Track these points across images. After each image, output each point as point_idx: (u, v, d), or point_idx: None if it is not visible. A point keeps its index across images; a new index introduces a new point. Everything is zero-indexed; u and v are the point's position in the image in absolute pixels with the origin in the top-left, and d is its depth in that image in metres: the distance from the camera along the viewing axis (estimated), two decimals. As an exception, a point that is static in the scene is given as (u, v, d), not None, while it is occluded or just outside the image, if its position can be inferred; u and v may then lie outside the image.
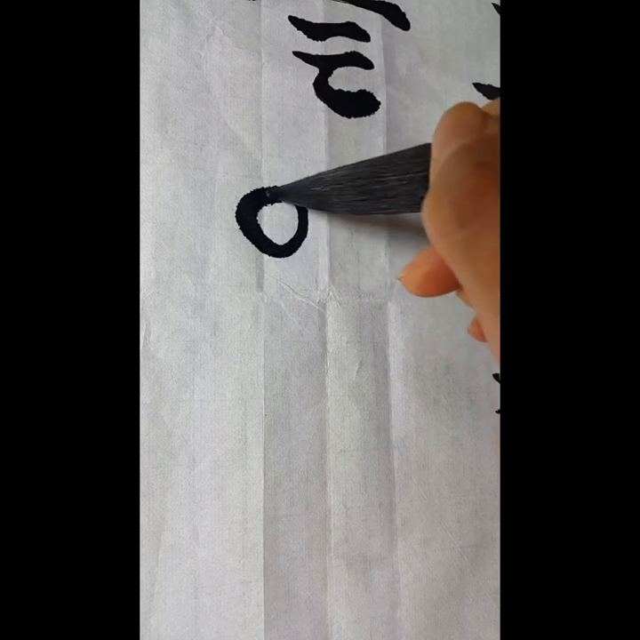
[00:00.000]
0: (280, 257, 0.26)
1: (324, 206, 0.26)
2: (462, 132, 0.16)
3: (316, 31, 0.29)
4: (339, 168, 0.24)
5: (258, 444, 0.24)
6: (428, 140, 0.32)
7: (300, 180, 0.26)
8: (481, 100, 0.32)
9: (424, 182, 0.18)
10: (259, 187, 0.26)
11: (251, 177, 0.26)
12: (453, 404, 0.28)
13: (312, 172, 0.27)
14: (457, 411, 0.28)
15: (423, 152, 0.19)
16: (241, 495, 0.24)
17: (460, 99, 0.32)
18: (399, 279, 0.20)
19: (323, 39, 0.29)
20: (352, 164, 0.23)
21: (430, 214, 0.15)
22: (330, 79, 0.29)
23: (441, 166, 0.16)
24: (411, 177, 0.19)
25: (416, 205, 0.20)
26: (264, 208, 0.26)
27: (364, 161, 0.22)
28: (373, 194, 0.21)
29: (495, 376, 0.29)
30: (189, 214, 0.25)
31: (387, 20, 0.30)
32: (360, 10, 0.30)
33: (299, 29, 0.28)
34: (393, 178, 0.20)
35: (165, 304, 0.24)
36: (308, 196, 0.26)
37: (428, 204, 0.15)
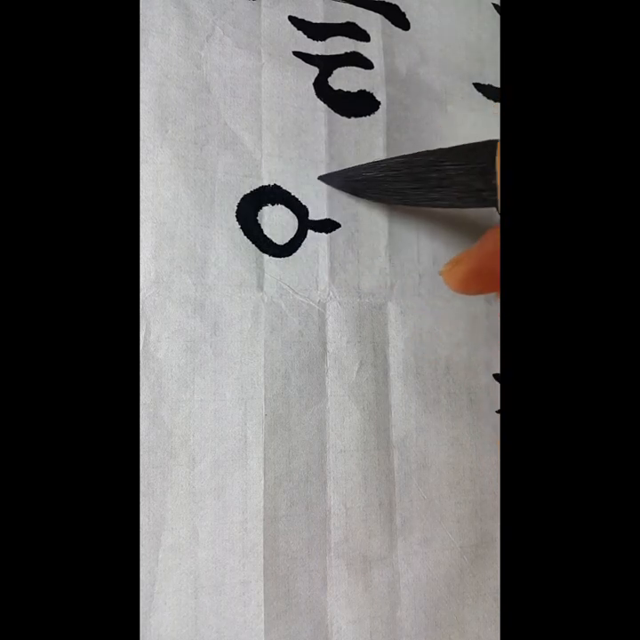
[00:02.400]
0: (280, 257, 0.26)
1: (375, 193, 0.25)
2: None
3: (316, 31, 0.29)
4: (395, 156, 0.24)
5: (258, 444, 0.24)
6: (428, 141, 0.32)
7: (352, 167, 0.26)
8: (481, 100, 0.32)
9: (483, 173, 0.18)
10: (258, 186, 0.26)
11: (251, 177, 0.26)
12: (453, 404, 0.28)
13: (312, 173, 0.27)
14: (457, 411, 0.28)
15: (489, 145, 0.19)
16: (241, 495, 0.24)
17: (460, 99, 0.32)
18: (440, 273, 0.20)
19: (323, 39, 0.29)
20: (410, 154, 0.23)
21: None
22: (330, 79, 0.29)
23: None
24: (470, 167, 0.19)
25: (468, 197, 0.20)
26: (264, 208, 0.26)
27: (422, 151, 0.22)
28: (428, 182, 0.21)
29: (495, 376, 0.29)
30: (189, 214, 0.25)
31: (387, 20, 0.30)
32: (360, 10, 0.30)
33: (299, 29, 0.28)
34: (451, 167, 0.20)
35: (165, 304, 0.24)
36: (359, 180, 0.25)
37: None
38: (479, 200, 0.20)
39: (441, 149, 0.21)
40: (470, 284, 0.20)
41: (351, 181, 0.26)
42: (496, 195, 0.19)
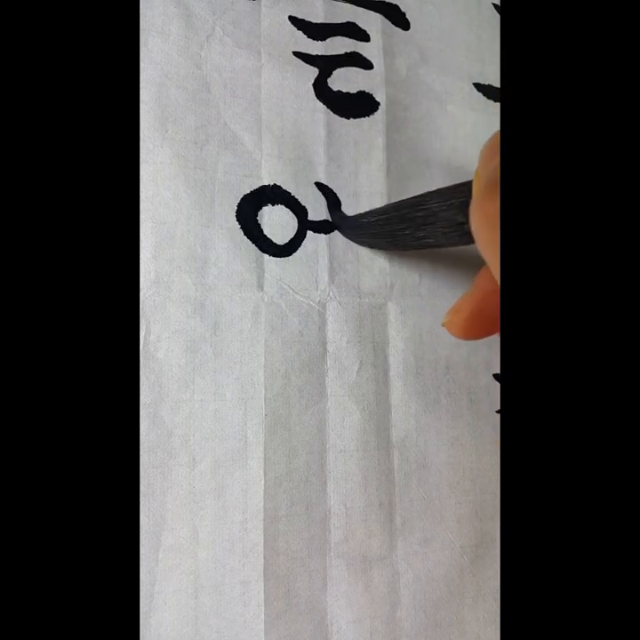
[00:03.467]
0: (280, 257, 0.26)
1: (368, 238, 0.27)
2: None
3: (316, 31, 0.29)
4: (389, 203, 0.25)
5: (258, 444, 0.24)
6: (428, 141, 0.32)
7: (356, 214, 0.27)
8: (481, 100, 0.32)
9: (463, 208, 0.19)
10: (258, 186, 0.26)
11: (251, 177, 0.26)
12: (453, 404, 0.28)
13: (310, 174, 0.27)
14: (457, 411, 0.28)
15: (466, 184, 0.20)
16: (241, 495, 0.24)
17: (460, 99, 0.32)
18: (443, 325, 0.21)
19: (323, 39, 0.29)
20: (401, 201, 0.24)
21: (481, 208, 0.16)
22: (329, 80, 0.29)
23: (492, 169, 0.16)
24: (451, 202, 0.20)
25: (451, 232, 0.21)
26: (264, 208, 0.26)
27: (411, 196, 0.24)
28: (414, 221, 0.22)
29: (495, 376, 0.29)
30: (189, 214, 0.25)
31: (387, 20, 0.30)
32: (360, 10, 0.30)
33: (299, 29, 0.28)
34: (435, 205, 0.21)
35: (165, 304, 0.24)
36: (355, 227, 0.27)
37: (476, 204, 0.16)
38: (462, 234, 0.20)
39: (427, 192, 0.22)
40: (475, 329, 0.20)
41: (349, 228, 0.27)
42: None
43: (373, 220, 0.25)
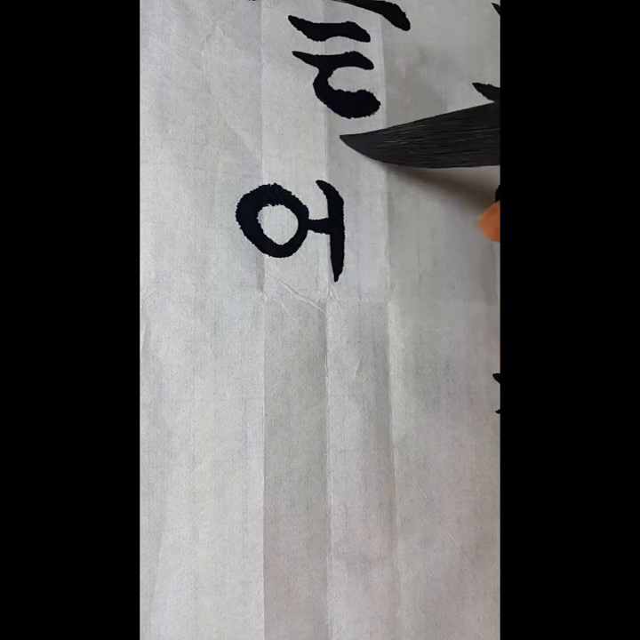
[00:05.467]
0: (280, 257, 0.26)
1: (399, 159, 0.26)
2: None
3: (316, 31, 0.29)
4: (416, 122, 0.24)
5: (258, 444, 0.24)
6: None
7: (373, 132, 0.26)
8: (481, 100, 0.32)
9: None
10: (258, 186, 0.26)
11: (251, 177, 0.26)
12: (453, 404, 0.28)
13: (312, 173, 0.27)
14: (457, 411, 0.28)
15: None
16: (241, 495, 0.24)
17: (460, 99, 0.32)
18: (477, 222, 0.20)
19: (323, 39, 0.29)
20: (430, 118, 0.23)
21: None
22: (329, 79, 0.29)
23: None
24: (497, 131, 0.19)
25: (498, 158, 0.20)
26: (264, 208, 0.26)
27: (443, 115, 0.22)
28: (456, 147, 0.22)
29: (495, 376, 0.29)
30: (190, 214, 0.25)
31: (387, 20, 0.30)
32: (360, 10, 0.30)
33: (299, 29, 0.28)
34: (478, 131, 0.20)
35: (165, 304, 0.24)
36: (380, 148, 0.26)
37: None
38: None
39: (465, 111, 0.21)
40: None
41: (374, 147, 0.26)
42: None
43: (404, 142, 0.24)
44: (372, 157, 0.27)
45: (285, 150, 0.27)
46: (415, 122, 0.24)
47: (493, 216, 0.19)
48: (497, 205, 0.19)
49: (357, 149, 0.27)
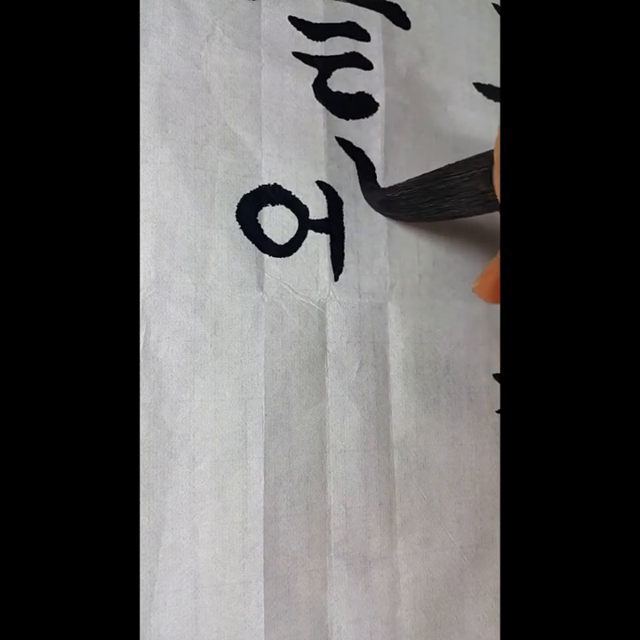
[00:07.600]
0: (280, 257, 0.26)
1: (391, 210, 0.28)
2: None
3: (316, 31, 0.29)
4: (412, 178, 0.26)
5: (258, 444, 0.24)
6: (428, 141, 0.32)
7: (380, 188, 0.28)
8: (481, 100, 0.32)
9: (484, 177, 0.20)
10: (258, 186, 0.26)
11: (251, 177, 0.26)
12: (453, 404, 0.28)
13: (311, 174, 0.27)
14: (457, 411, 0.28)
15: (485, 154, 0.20)
16: (241, 495, 0.24)
17: (459, 99, 0.32)
18: (472, 290, 0.21)
19: (322, 39, 0.29)
20: (422, 174, 0.25)
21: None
22: (329, 81, 0.29)
23: None
24: (472, 173, 0.21)
25: (474, 201, 0.21)
26: (264, 208, 0.26)
27: (433, 170, 0.24)
28: (438, 194, 0.23)
29: (495, 376, 0.29)
30: (190, 214, 0.25)
31: (387, 20, 0.30)
32: (361, 9, 0.30)
33: (299, 29, 0.28)
34: (456, 176, 0.22)
35: (165, 304, 0.24)
36: (379, 202, 0.27)
37: (498, 170, 0.16)
38: (484, 203, 0.21)
39: (448, 165, 0.23)
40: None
41: (376, 201, 0.28)
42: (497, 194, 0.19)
43: (397, 194, 0.26)
44: (376, 211, 0.28)
45: (285, 150, 0.27)
46: (410, 179, 0.26)
47: (486, 279, 0.20)
48: (488, 268, 0.20)
49: (371, 204, 0.28)
